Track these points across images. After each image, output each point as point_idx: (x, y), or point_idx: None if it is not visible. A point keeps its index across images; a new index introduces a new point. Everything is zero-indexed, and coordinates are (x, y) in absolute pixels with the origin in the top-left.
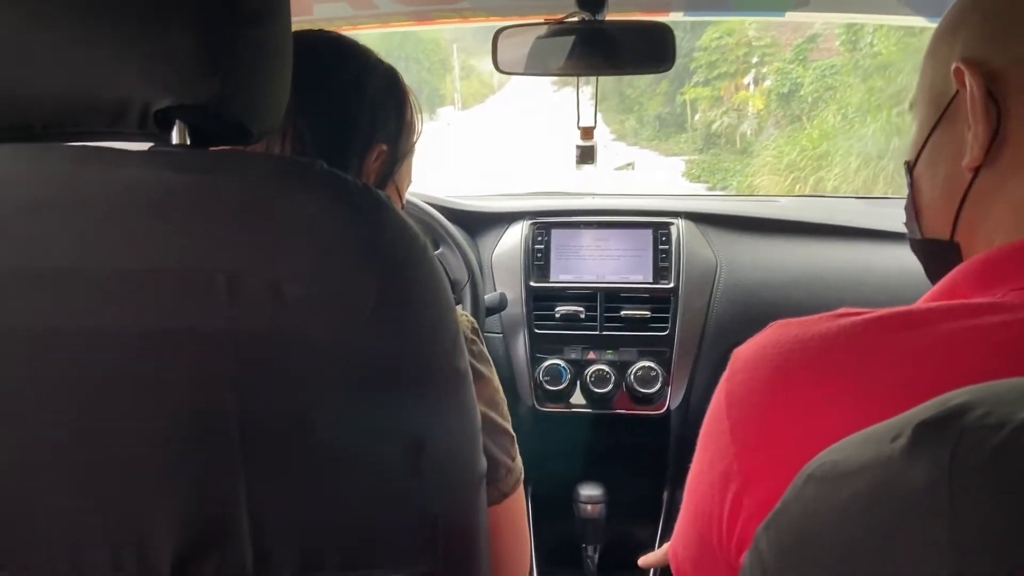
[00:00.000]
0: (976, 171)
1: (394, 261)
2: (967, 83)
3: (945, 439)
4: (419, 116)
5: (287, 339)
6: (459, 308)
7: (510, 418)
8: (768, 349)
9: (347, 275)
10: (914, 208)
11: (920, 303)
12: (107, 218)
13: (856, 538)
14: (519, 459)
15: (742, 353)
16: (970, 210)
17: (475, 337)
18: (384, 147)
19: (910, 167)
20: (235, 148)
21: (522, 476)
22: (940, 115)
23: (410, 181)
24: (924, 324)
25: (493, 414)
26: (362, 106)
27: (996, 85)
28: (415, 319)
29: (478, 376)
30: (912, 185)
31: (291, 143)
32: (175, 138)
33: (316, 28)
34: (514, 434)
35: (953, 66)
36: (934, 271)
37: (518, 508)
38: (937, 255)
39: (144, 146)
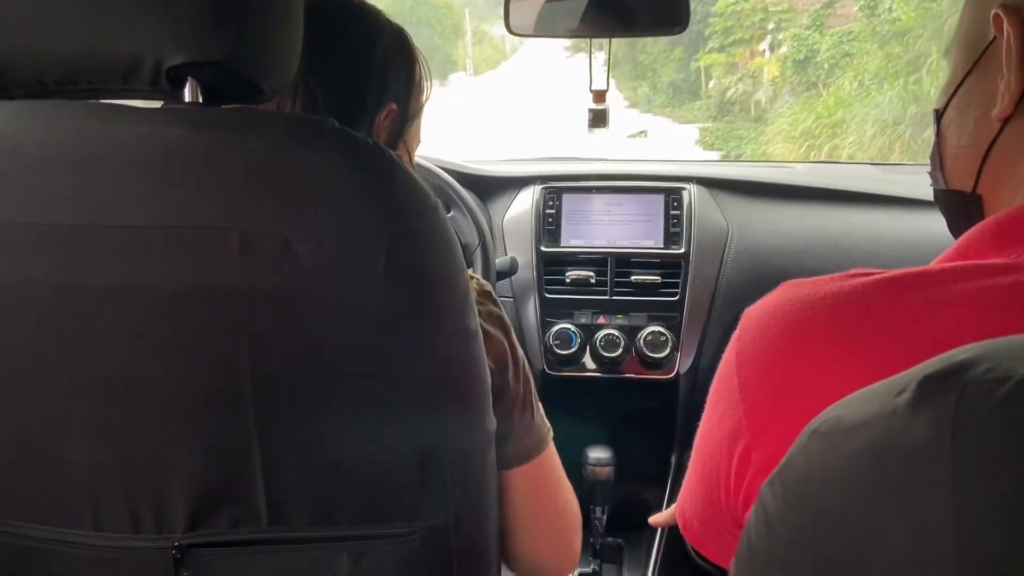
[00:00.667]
0: (1005, 122)
1: (405, 219)
2: (1004, 30)
3: (949, 393)
4: (428, 76)
5: (298, 296)
6: (470, 272)
7: (532, 384)
8: (779, 308)
9: (358, 233)
10: (939, 157)
11: (934, 264)
12: (121, 175)
13: (860, 491)
14: (539, 425)
15: (753, 312)
16: (995, 162)
17: (484, 299)
18: (394, 106)
19: (939, 114)
20: (246, 106)
21: (543, 443)
22: (975, 61)
23: (419, 141)
24: (937, 284)
25: (500, 375)
26: (372, 65)
27: None
28: (425, 278)
29: (486, 336)
30: (939, 133)
31: (302, 102)
32: (187, 96)
33: None
34: (534, 400)
35: (993, 12)
36: (956, 225)
37: (534, 479)
38: (959, 207)
39: (156, 105)
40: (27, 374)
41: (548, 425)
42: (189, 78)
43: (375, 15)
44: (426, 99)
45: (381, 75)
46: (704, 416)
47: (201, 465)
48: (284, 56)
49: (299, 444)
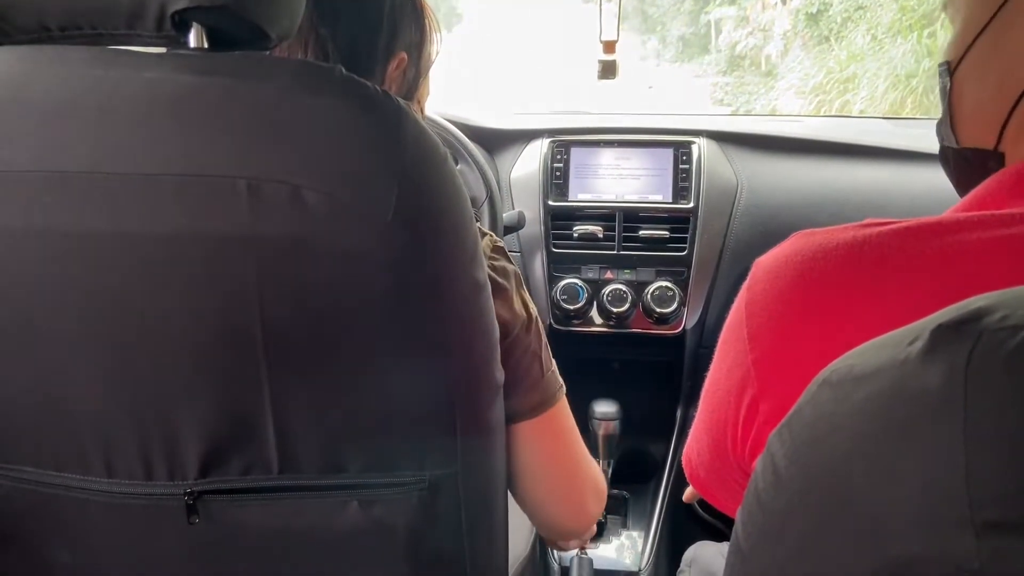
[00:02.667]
0: None
1: (414, 167)
2: None
3: (963, 341)
4: (437, 28)
5: (308, 244)
6: (480, 227)
7: (543, 337)
8: (791, 258)
9: (367, 180)
10: (950, 113)
11: (949, 213)
12: (128, 122)
13: (870, 437)
14: (550, 379)
15: (763, 262)
16: (1018, 120)
17: (496, 255)
18: (405, 56)
19: (951, 68)
20: (254, 52)
21: (555, 396)
22: (994, 13)
23: (428, 93)
24: (953, 233)
25: (512, 329)
26: (382, 14)
27: None
28: (434, 227)
29: (499, 289)
30: (952, 89)
31: (313, 53)
32: (192, 41)
33: None
34: (545, 352)
35: None
36: (966, 183)
37: (547, 430)
38: (975, 165)
39: (162, 51)
40: (35, 321)
41: (560, 383)
42: (194, 23)
43: None
44: (437, 52)
45: (391, 24)
46: (712, 366)
47: (213, 412)
48: (290, 1)
49: (309, 392)
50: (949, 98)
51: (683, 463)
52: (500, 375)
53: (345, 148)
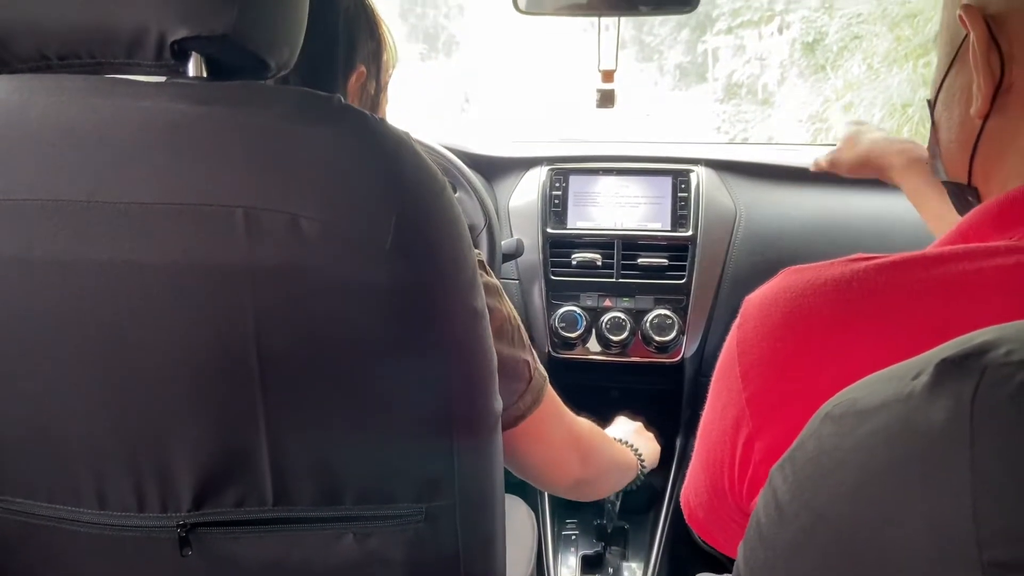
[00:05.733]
0: (986, 119)
1: (412, 196)
2: (969, 30)
3: (968, 376)
4: (391, 39)
5: (305, 273)
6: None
7: (527, 341)
8: (780, 295)
9: (365, 210)
10: (937, 147)
11: (934, 246)
12: (125, 151)
13: (874, 473)
14: (539, 373)
15: (753, 300)
16: (983, 157)
17: (481, 271)
18: (364, 69)
19: (931, 105)
20: (251, 81)
21: (543, 390)
22: (953, 56)
23: (387, 103)
24: (939, 266)
25: (502, 346)
26: (335, 27)
27: (1000, 31)
28: (432, 255)
29: (490, 311)
30: (934, 124)
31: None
32: (191, 70)
33: None
34: (531, 355)
35: (957, 13)
36: (961, 211)
37: (541, 424)
38: (961, 197)
39: (161, 79)
40: (29, 350)
41: (544, 372)
42: (193, 52)
43: None
44: (394, 63)
45: (347, 36)
46: (707, 405)
47: (207, 443)
48: (290, 30)
49: (305, 422)
50: (933, 132)
51: (681, 503)
52: (498, 405)
53: (343, 177)
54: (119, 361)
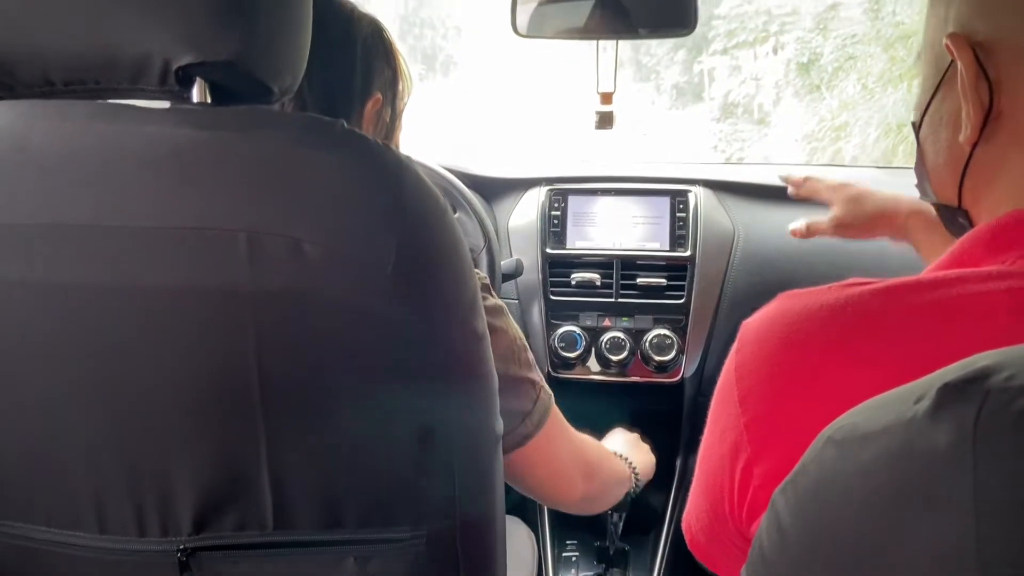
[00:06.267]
0: (975, 145)
1: (414, 221)
2: (957, 58)
3: (970, 401)
4: (406, 68)
5: (307, 297)
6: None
7: (532, 361)
8: (776, 320)
9: (368, 234)
10: (924, 169)
11: (928, 271)
12: (128, 176)
13: (876, 498)
14: (544, 392)
15: (750, 325)
16: (972, 182)
17: (485, 294)
18: (380, 96)
19: (916, 128)
20: (255, 106)
21: (549, 407)
22: (939, 81)
23: (401, 127)
24: (932, 291)
25: (508, 367)
26: (354, 55)
27: (988, 59)
28: (434, 279)
29: (492, 331)
30: (919, 147)
31: (292, 102)
32: (195, 96)
33: None
34: (536, 375)
35: (944, 41)
36: (952, 232)
37: (547, 443)
38: (951, 218)
39: (165, 105)
40: (31, 373)
41: (549, 391)
42: (198, 78)
43: (350, 7)
44: (409, 90)
45: (365, 66)
46: (706, 429)
47: (207, 467)
48: (293, 56)
49: (306, 446)
50: (919, 155)
51: (683, 528)
52: (499, 426)
53: (346, 201)
54: (120, 385)
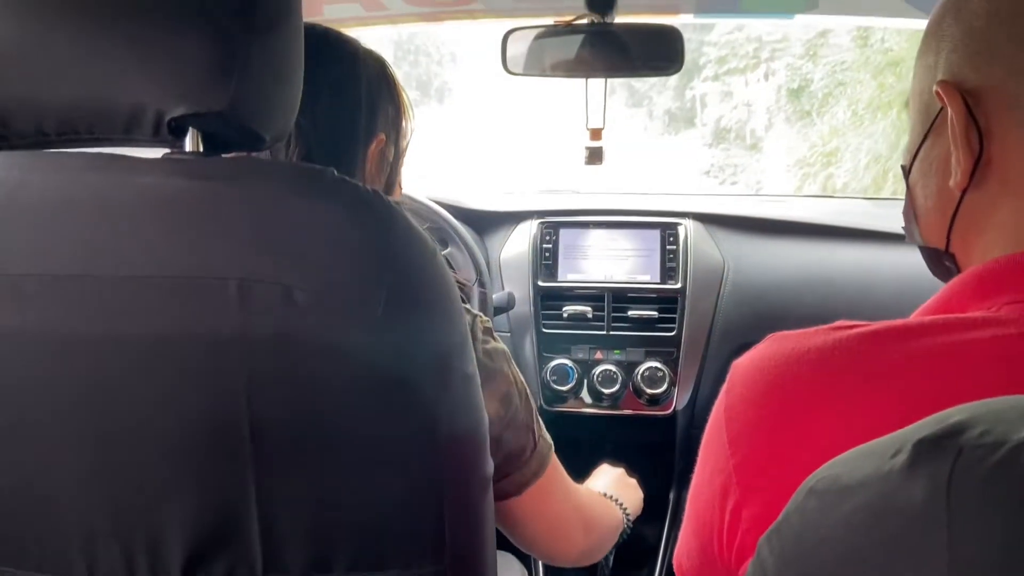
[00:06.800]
0: (964, 190)
1: (404, 267)
2: (947, 105)
3: (944, 457)
4: (410, 105)
5: (297, 343)
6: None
7: (533, 409)
8: (766, 363)
9: (358, 281)
10: (913, 212)
11: (915, 316)
12: (120, 225)
13: (856, 551)
14: (544, 441)
15: (740, 365)
16: (961, 228)
17: (488, 337)
18: (383, 136)
19: (906, 171)
20: (247, 154)
21: (548, 456)
22: (929, 127)
23: (404, 163)
24: (919, 337)
25: (507, 413)
26: (359, 96)
27: (978, 106)
28: (424, 324)
29: (490, 375)
30: (909, 190)
31: (295, 141)
32: (188, 144)
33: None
34: (536, 423)
35: (934, 88)
36: (937, 274)
37: (545, 493)
38: (937, 261)
39: (158, 152)
40: (22, 421)
41: (549, 441)
42: (191, 128)
43: (354, 45)
44: (412, 128)
45: (369, 106)
46: (696, 469)
47: (197, 511)
48: (285, 103)
49: (295, 489)
50: (909, 198)
51: (674, 566)
52: (490, 467)
53: (336, 248)
54: (111, 431)
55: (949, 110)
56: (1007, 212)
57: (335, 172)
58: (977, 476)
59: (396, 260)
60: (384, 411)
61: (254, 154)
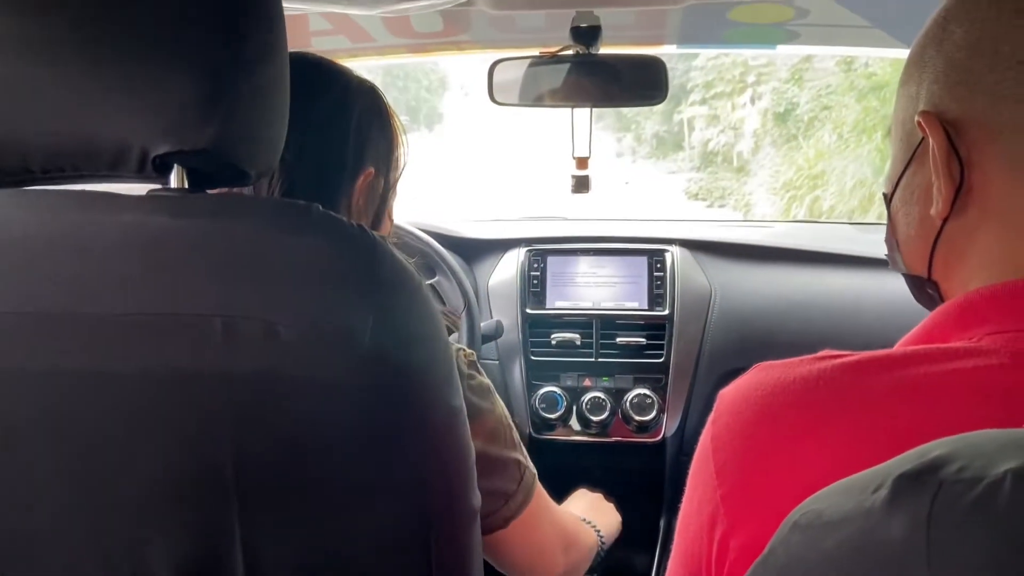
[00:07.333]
0: (946, 219)
1: (388, 302)
2: (928, 135)
3: (924, 492)
4: (404, 137)
5: (282, 380)
6: (455, 340)
7: (517, 440)
8: (751, 392)
9: (342, 317)
10: (895, 240)
11: (899, 346)
12: (104, 263)
13: None
14: (528, 472)
15: (726, 395)
16: (943, 255)
17: (473, 372)
18: (372, 171)
19: (888, 199)
20: (231, 191)
21: (533, 487)
22: (911, 156)
23: (396, 195)
24: (902, 367)
25: (494, 448)
26: (347, 130)
27: (959, 136)
28: (408, 355)
29: (476, 411)
30: (891, 218)
31: (280, 174)
32: (173, 181)
33: None
34: (521, 454)
35: (915, 118)
36: (922, 301)
37: (530, 522)
38: (920, 289)
39: (144, 187)
40: (6, 460)
41: (533, 470)
42: (176, 164)
43: (347, 77)
44: (405, 161)
45: (358, 140)
46: (684, 498)
47: (181, 548)
48: (270, 140)
49: (281, 527)
50: (890, 226)
51: None
52: (477, 500)
53: (320, 285)
54: (95, 470)
55: (931, 140)
56: (988, 241)
57: (320, 207)
58: (956, 512)
59: (381, 295)
60: (369, 446)
61: (237, 189)
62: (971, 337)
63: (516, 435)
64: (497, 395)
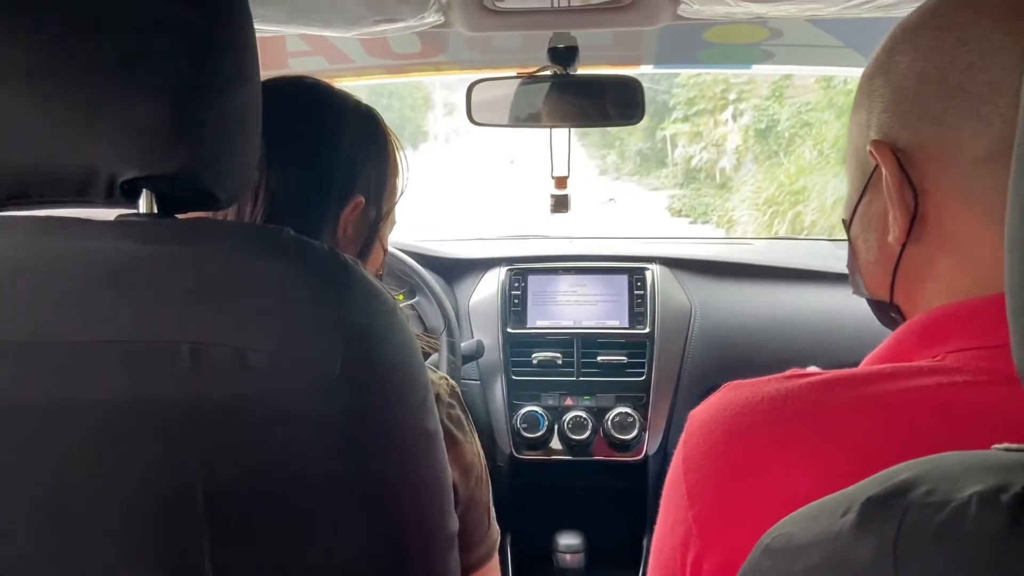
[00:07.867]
0: (904, 245)
1: (360, 326)
2: (881, 165)
3: (891, 516)
4: (404, 163)
5: (251, 404)
6: (434, 363)
7: (490, 486)
8: (721, 412)
9: (313, 342)
10: (856, 266)
11: (865, 363)
12: (71, 291)
13: None
14: (494, 527)
15: (697, 416)
16: (904, 281)
17: (453, 401)
18: (362, 199)
19: (847, 225)
20: (201, 216)
21: (496, 543)
22: (865, 184)
23: (394, 224)
24: (866, 386)
25: (472, 488)
26: (337, 156)
27: (911, 165)
28: (381, 382)
29: (455, 442)
30: (851, 243)
31: (263, 200)
32: (142, 206)
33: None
34: (491, 505)
35: (867, 148)
36: (886, 324)
37: None
38: (884, 313)
39: (111, 213)
40: None
41: (498, 529)
42: (144, 189)
43: (343, 101)
44: (403, 188)
45: (348, 166)
46: (658, 520)
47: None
48: (242, 164)
49: (253, 556)
50: (851, 251)
51: None
52: (454, 524)
53: (290, 309)
54: (63, 497)
55: (883, 169)
56: (946, 265)
57: (290, 231)
58: (922, 536)
59: (352, 321)
60: (341, 473)
61: (212, 214)
62: (934, 355)
63: (488, 479)
64: (474, 431)
